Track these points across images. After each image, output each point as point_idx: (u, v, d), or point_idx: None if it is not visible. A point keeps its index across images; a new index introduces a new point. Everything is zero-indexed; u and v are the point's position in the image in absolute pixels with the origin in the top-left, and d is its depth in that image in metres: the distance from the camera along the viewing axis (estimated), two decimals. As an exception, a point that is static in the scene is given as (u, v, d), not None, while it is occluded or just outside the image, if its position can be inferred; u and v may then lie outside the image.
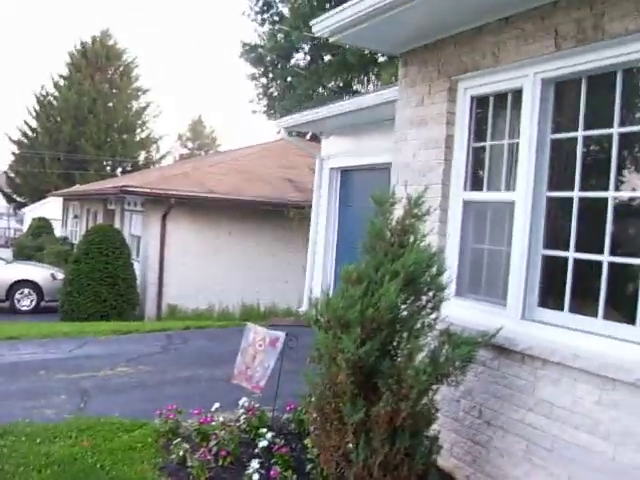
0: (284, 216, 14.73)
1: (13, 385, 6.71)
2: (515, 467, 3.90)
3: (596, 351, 3.46)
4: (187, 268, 14.23)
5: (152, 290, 14.14)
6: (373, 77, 24.54)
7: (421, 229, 4.02)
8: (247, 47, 26.72)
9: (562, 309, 3.85)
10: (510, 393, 3.96)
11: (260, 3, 25.85)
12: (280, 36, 25.86)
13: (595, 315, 3.62)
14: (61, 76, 45.16)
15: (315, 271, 10.79)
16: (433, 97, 4.96)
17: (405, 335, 3.82)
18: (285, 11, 25.72)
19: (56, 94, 44.76)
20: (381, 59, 23.50)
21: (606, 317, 3.57)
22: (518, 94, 4.23)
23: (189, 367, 7.40)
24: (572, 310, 3.79)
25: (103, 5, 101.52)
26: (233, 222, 14.73)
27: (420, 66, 5.13)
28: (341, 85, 25.14)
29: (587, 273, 3.78)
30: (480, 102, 4.69)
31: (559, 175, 4.08)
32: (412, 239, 3.96)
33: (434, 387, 3.74)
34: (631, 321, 3.40)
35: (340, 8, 4.95)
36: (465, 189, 4.73)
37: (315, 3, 22.53)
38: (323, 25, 5.12)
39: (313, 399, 4.05)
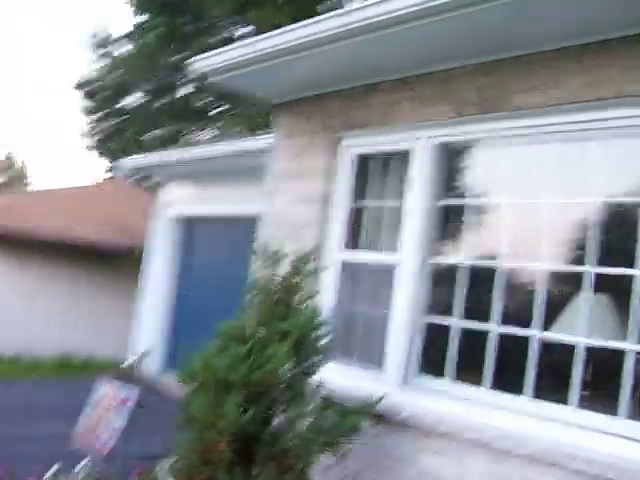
0: (110, 262, 13.92)
1: None
2: None
3: (485, 422, 3.40)
4: (8, 308, 12.90)
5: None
6: (212, 126, 24.31)
7: (306, 288, 3.81)
8: (84, 79, 25.53)
9: (444, 376, 3.79)
10: (389, 464, 3.79)
11: (100, 36, 24.92)
12: (115, 73, 25.00)
13: (480, 384, 3.59)
14: None
15: (145, 321, 10.16)
16: (314, 150, 4.82)
17: (288, 401, 3.54)
18: (123, 49, 24.94)
19: None
20: (218, 110, 23.46)
21: (494, 387, 3.55)
22: (406, 156, 4.21)
23: (10, 422, 6.53)
24: (457, 378, 3.74)
25: None
26: (53, 263, 13.60)
27: (301, 117, 4.99)
28: (171, 133, 24.63)
29: (473, 341, 3.76)
30: (364, 160, 4.62)
31: (445, 241, 4.08)
32: (298, 298, 3.73)
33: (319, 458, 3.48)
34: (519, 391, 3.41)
35: (228, 47, 4.74)
36: (343, 248, 4.60)
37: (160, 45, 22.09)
38: (206, 63, 4.84)
39: (179, 465, 3.63)
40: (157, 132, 24.42)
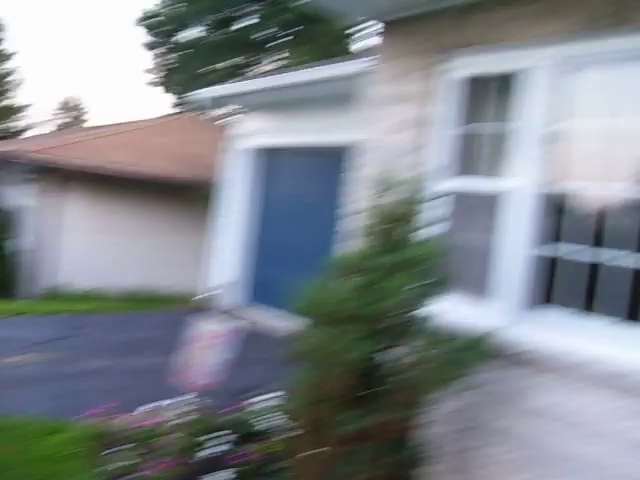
0: (182, 196, 13.96)
1: None
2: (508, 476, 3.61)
3: (610, 356, 3.22)
4: (79, 245, 13.15)
5: (39, 267, 12.92)
6: (275, 57, 23.92)
7: (416, 217, 3.63)
8: (148, 14, 25.35)
9: (561, 309, 3.60)
10: (504, 399, 3.67)
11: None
12: (180, 5, 24.71)
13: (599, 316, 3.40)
14: None
15: (221, 255, 10.20)
16: (418, 72, 4.54)
17: (404, 334, 3.43)
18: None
19: None
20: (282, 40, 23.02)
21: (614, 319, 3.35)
22: (521, 76, 3.92)
23: (104, 355, 6.71)
24: (576, 310, 3.55)
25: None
26: (129, 199, 13.77)
27: (405, 37, 4.71)
28: (237, 64, 24.34)
29: (590, 272, 3.54)
30: (474, 82, 4.32)
31: (562, 167, 3.82)
32: (409, 228, 3.56)
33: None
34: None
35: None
36: (448, 176, 4.37)
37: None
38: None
39: (290, 401, 3.60)
40: (218, 65, 24.19)
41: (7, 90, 44.30)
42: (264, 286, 9.71)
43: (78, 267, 13.04)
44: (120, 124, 18.06)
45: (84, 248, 13.22)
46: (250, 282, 10.04)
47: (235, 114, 10.36)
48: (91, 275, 13.09)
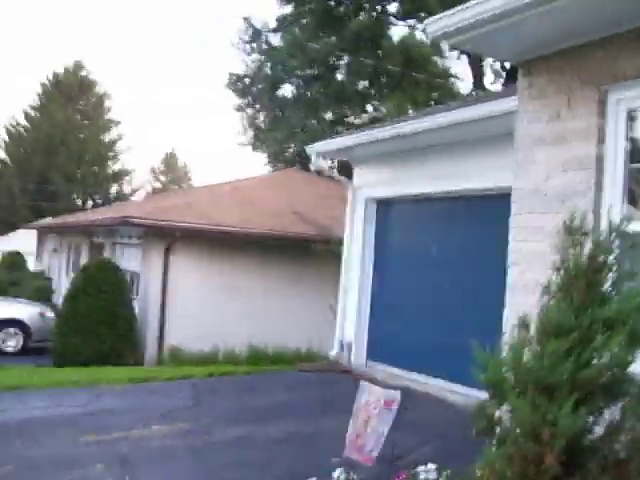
0: (293, 251, 13.90)
1: (35, 451, 5.70)
2: None
3: None
4: (190, 306, 13.22)
5: (153, 330, 13.07)
6: (371, 108, 24.00)
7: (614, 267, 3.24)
8: (234, 77, 26.08)
9: None
10: None
11: (250, 32, 25.26)
12: (268, 66, 25.32)
13: None
14: (32, 107, 44.05)
15: (348, 311, 9.91)
16: (574, 110, 4.22)
17: (612, 399, 3.01)
18: (274, 41, 25.21)
19: (27, 125, 43.59)
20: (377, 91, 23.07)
21: None
22: None
23: (236, 424, 6.43)
24: None
25: (77, 35, 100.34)
26: (238, 257, 13.81)
27: (552, 75, 4.40)
28: (332, 118, 24.55)
29: None
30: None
31: None
32: (609, 279, 3.16)
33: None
34: None
35: (460, 7, 4.25)
36: (626, 218, 3.96)
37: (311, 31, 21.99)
38: (439, 25, 4.39)
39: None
40: (315, 120, 24.45)
41: (116, 156, 46.75)
42: (384, 343, 9.37)
43: (192, 329, 13.08)
44: (225, 183, 18.35)
45: (197, 309, 13.27)
46: (371, 340, 9.70)
47: (347, 166, 10.21)
48: (206, 336, 13.09)
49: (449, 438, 5.34)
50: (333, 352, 9.93)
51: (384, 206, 9.63)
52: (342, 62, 23.52)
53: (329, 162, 10.63)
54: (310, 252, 12.98)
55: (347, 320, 9.89)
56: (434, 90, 22.52)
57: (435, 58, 22.86)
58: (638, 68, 3.86)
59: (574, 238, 3.23)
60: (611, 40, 4.02)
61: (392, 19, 23.53)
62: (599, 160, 4.06)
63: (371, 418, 4.12)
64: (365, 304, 9.77)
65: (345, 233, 10.11)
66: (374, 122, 20.93)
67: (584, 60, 4.17)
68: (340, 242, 11.15)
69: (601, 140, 4.07)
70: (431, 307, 8.72)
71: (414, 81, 21.43)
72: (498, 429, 3.14)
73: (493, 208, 7.75)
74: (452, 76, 24.29)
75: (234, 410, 6.90)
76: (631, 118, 3.99)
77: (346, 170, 10.24)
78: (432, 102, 21.55)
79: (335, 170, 10.36)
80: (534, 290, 4.37)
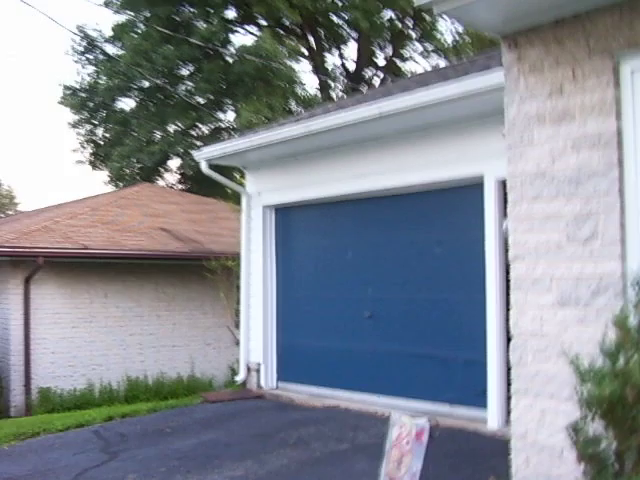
0: (169, 271, 12.83)
1: None
2: None
3: None
4: (58, 341, 11.70)
5: (17, 373, 11.36)
6: (224, 115, 23.10)
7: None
8: (69, 91, 24.09)
9: None
10: None
11: (84, 42, 23.46)
12: (104, 79, 23.62)
13: None
14: None
15: (252, 330, 9.09)
16: (582, 83, 3.82)
17: None
18: (110, 50, 23.54)
19: None
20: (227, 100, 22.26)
21: None
22: None
23: (173, 477, 5.40)
24: None
25: None
26: (108, 282, 12.45)
27: (548, 46, 3.98)
28: (182, 128, 23.36)
29: None
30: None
31: None
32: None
33: None
34: None
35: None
36: (655, 197, 3.60)
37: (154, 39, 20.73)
38: (427, -7, 3.83)
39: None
40: (162, 132, 23.15)
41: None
42: (301, 361, 8.67)
43: (62, 366, 11.58)
44: (77, 201, 16.71)
45: (66, 343, 11.80)
46: (285, 359, 8.95)
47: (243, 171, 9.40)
48: (78, 373, 11.64)
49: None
50: (239, 376, 9.07)
51: (285, 213, 8.95)
52: (187, 71, 22.48)
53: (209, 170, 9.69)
54: (189, 270, 12.00)
55: (252, 340, 9.08)
56: (289, 97, 22.16)
57: (282, 65, 22.48)
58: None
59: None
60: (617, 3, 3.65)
61: (236, 26, 22.91)
62: (619, 135, 3.67)
63: (404, 455, 3.44)
64: (271, 321, 9.02)
65: (242, 245, 9.30)
66: (233, 130, 20.18)
67: (593, 27, 3.77)
68: (226, 257, 10.34)
69: (620, 113, 3.69)
70: (348, 318, 8.15)
71: (267, 88, 20.91)
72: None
73: (404, 206, 7.37)
74: (296, 82, 24.05)
75: (160, 459, 5.82)
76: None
77: (227, 175, 9.46)
78: (289, 108, 21.20)
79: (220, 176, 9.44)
80: (549, 287, 3.92)
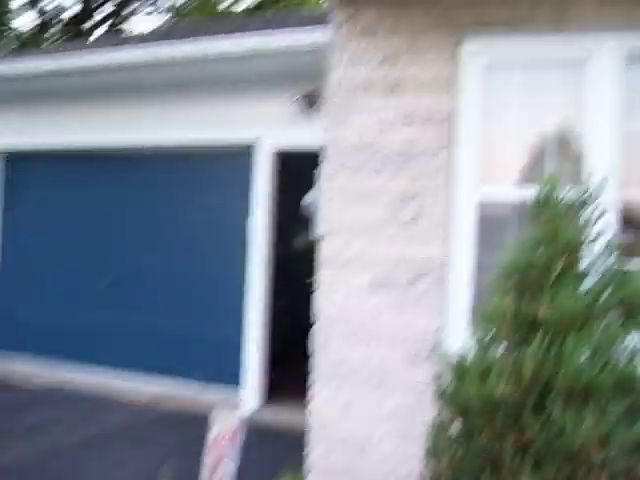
0: None
1: None
2: None
3: None
4: None
5: None
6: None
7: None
8: None
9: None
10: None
11: None
12: None
13: None
14: None
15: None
16: (422, 54, 3.60)
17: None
18: None
19: None
20: None
21: None
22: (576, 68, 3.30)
23: None
24: None
25: None
26: None
27: (386, 9, 3.69)
28: None
29: None
30: (505, 69, 3.55)
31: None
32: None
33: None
34: None
35: None
36: (478, 184, 3.53)
37: None
38: None
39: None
40: None
41: None
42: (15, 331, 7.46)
43: None
44: None
45: None
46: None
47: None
48: None
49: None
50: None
51: (19, 161, 7.57)
52: None
53: None
54: None
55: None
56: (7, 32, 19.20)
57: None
58: (504, 18, 3.43)
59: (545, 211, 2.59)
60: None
61: None
62: (454, 116, 3.53)
63: (222, 460, 2.85)
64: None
65: None
66: None
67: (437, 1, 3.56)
68: None
69: (456, 93, 3.54)
70: (83, 286, 7.20)
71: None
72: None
73: (162, 168, 6.76)
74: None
75: None
76: (491, 70, 3.54)
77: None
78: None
79: None
80: (364, 268, 3.67)
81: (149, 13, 24.93)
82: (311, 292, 8.15)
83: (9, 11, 19.26)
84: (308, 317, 7.35)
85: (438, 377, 2.60)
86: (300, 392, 6.07)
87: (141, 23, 25.01)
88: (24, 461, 4.66)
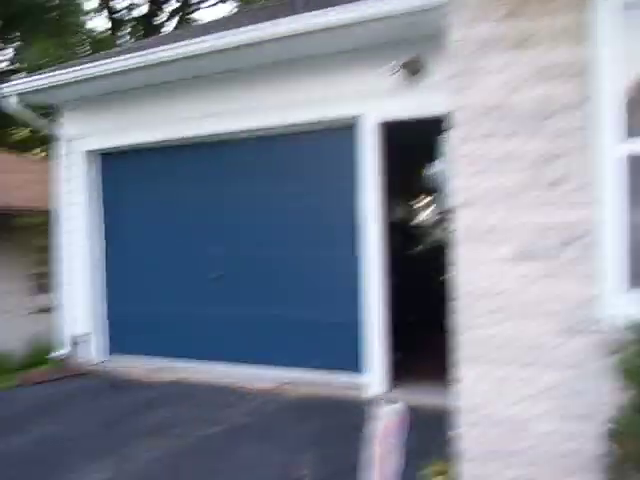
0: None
1: None
2: None
3: None
4: None
5: None
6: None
7: None
8: None
9: None
10: None
11: None
12: None
13: None
14: None
15: (75, 295, 7.77)
16: (549, 2, 3.31)
17: None
18: None
19: None
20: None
21: None
22: None
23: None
24: None
25: None
26: None
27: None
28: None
29: None
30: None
31: None
32: None
33: None
34: None
35: None
36: (626, 137, 3.22)
37: None
38: None
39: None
40: None
41: None
42: (139, 329, 7.60)
43: None
44: None
45: None
46: (119, 327, 7.79)
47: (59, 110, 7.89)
48: None
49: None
50: (62, 351, 7.75)
51: (114, 159, 7.69)
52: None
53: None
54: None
55: (77, 307, 7.77)
56: (82, 34, 19.82)
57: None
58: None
59: None
60: None
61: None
62: (591, 64, 3.22)
63: (388, 454, 2.73)
64: (100, 284, 7.78)
65: (59, 198, 7.87)
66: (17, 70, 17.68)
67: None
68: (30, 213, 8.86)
69: (593, 39, 3.24)
70: (193, 280, 7.23)
71: (59, 24, 18.51)
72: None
73: (262, 152, 6.66)
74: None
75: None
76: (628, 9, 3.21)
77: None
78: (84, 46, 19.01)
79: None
80: (507, 238, 3.43)
81: (214, 3, 24.97)
82: (429, 270, 7.96)
83: (82, 13, 19.74)
84: (425, 296, 7.21)
85: (613, 350, 2.37)
86: (427, 373, 5.93)
87: (208, 13, 25.04)
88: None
